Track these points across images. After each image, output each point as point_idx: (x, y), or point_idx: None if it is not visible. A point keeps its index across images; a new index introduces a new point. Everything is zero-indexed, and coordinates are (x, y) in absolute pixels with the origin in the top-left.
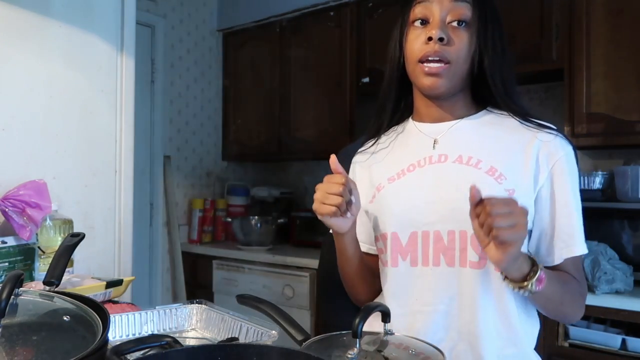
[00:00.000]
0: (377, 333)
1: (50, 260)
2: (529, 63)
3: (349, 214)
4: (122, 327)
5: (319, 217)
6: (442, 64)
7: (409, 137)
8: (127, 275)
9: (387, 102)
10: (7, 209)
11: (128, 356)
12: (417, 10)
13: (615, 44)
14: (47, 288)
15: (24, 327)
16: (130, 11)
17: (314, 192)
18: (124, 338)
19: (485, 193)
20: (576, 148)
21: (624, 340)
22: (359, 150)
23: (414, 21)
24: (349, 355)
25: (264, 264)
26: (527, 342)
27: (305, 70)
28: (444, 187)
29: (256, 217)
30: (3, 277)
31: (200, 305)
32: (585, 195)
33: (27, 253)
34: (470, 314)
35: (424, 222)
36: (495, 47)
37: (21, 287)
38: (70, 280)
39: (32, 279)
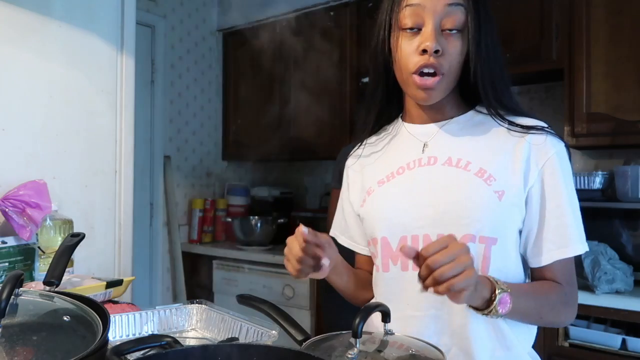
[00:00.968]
0: (378, 333)
1: (50, 260)
2: (529, 63)
3: (321, 269)
4: (122, 327)
5: None
6: (437, 77)
7: (399, 139)
8: (127, 275)
9: (372, 104)
10: (7, 209)
11: (128, 356)
12: (408, 15)
13: (615, 44)
14: (47, 288)
15: (24, 327)
16: (130, 11)
17: (314, 192)
18: (124, 338)
19: (475, 195)
20: (568, 145)
21: (624, 340)
22: (350, 153)
23: (404, 27)
24: (349, 356)
25: (264, 264)
26: (521, 344)
27: (305, 71)
28: (433, 190)
29: (256, 217)
30: (3, 277)
31: (200, 305)
32: (585, 195)
33: (27, 253)
34: (461, 318)
35: (413, 225)
36: (488, 50)
37: (21, 287)
38: (71, 280)
39: (32, 279)
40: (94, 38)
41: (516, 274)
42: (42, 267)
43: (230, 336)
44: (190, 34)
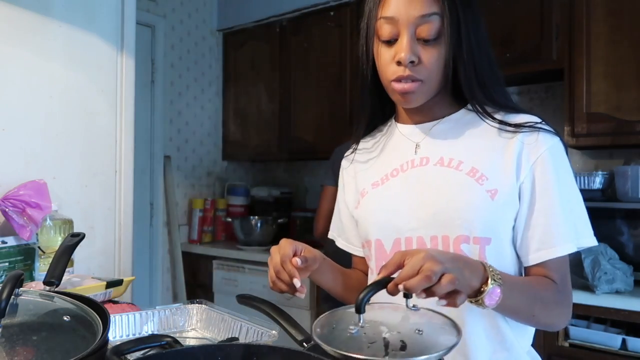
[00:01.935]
0: (395, 306)
1: (50, 260)
2: (529, 63)
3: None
4: (122, 327)
5: None
6: (415, 83)
7: (392, 140)
8: (127, 275)
9: (363, 109)
10: (7, 209)
11: (128, 356)
12: (384, 27)
13: (615, 44)
14: (47, 288)
15: (24, 327)
16: (130, 11)
17: (314, 192)
18: (124, 338)
19: (467, 195)
20: (563, 140)
21: (624, 340)
22: (345, 155)
23: (381, 39)
24: (351, 329)
25: (264, 264)
26: (520, 344)
27: (305, 70)
28: (425, 191)
29: (256, 217)
30: (3, 277)
31: (200, 305)
32: (585, 195)
33: (27, 253)
34: (456, 319)
35: (406, 228)
36: (472, 51)
37: (21, 287)
38: (71, 280)
39: (32, 279)
40: (94, 38)
41: (512, 273)
42: (42, 267)
43: (230, 336)
44: (190, 34)
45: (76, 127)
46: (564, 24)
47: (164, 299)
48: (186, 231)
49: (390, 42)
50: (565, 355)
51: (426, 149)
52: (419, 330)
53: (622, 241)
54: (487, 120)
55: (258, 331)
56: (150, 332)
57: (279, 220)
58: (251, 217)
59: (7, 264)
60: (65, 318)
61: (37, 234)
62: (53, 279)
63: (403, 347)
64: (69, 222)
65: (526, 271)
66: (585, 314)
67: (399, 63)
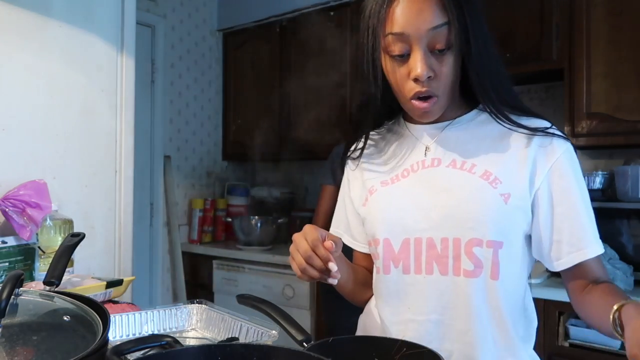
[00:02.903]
0: None
1: (50, 260)
2: (529, 63)
3: (330, 275)
4: (122, 327)
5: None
6: (432, 99)
7: (402, 139)
8: (127, 275)
9: (369, 113)
10: (7, 209)
11: (128, 356)
12: (394, 44)
13: (615, 44)
14: (47, 288)
15: (24, 327)
16: (130, 11)
17: (314, 192)
18: (124, 338)
19: (481, 198)
20: (574, 145)
21: None
22: (349, 155)
23: (392, 55)
24: None
25: (264, 264)
26: (525, 348)
27: (305, 70)
28: (437, 193)
29: (256, 217)
30: (3, 277)
31: (200, 305)
32: None
33: (28, 253)
34: (465, 324)
35: (416, 228)
36: (482, 55)
37: (21, 287)
38: (71, 280)
39: (32, 279)
40: (94, 38)
41: (521, 277)
42: (42, 267)
43: (230, 336)
44: (190, 34)
45: (76, 127)
46: (564, 24)
47: (164, 299)
48: (186, 231)
49: (403, 56)
50: (565, 355)
51: (437, 150)
52: None
53: (622, 241)
54: (501, 123)
55: (258, 331)
56: (150, 332)
57: (279, 220)
58: (251, 217)
59: (7, 264)
60: (65, 318)
61: (37, 234)
62: (53, 279)
63: None
64: (69, 222)
65: (563, 275)
66: None
67: (415, 80)
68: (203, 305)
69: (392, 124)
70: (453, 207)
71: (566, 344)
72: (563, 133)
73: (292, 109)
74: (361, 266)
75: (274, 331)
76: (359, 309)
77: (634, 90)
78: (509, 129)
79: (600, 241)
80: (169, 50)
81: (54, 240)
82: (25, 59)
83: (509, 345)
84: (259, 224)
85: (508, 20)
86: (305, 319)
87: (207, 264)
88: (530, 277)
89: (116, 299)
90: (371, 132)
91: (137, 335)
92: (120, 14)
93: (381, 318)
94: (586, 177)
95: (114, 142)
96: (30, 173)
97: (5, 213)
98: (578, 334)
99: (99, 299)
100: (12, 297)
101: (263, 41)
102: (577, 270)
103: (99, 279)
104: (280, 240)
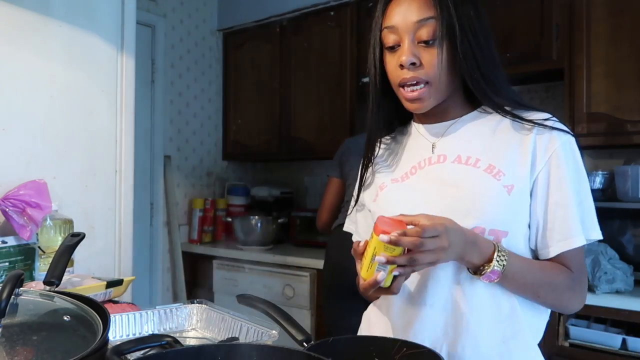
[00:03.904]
0: None
1: (50, 260)
2: (529, 63)
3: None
4: (123, 327)
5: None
6: (422, 86)
7: (410, 139)
8: (127, 275)
9: (377, 112)
10: (7, 209)
11: (128, 356)
12: (387, 36)
13: (616, 43)
14: (48, 288)
15: (24, 327)
16: (130, 11)
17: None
18: (124, 338)
19: (485, 189)
20: (576, 136)
21: (624, 340)
22: (368, 156)
23: (386, 46)
24: None
25: (264, 263)
26: (531, 335)
27: (305, 70)
28: (443, 187)
29: (256, 217)
30: (3, 277)
31: (200, 305)
32: None
33: (28, 253)
34: (469, 312)
35: None
36: (472, 50)
37: (21, 287)
38: (71, 280)
39: (32, 278)
40: (94, 38)
41: None
42: (42, 267)
43: (230, 336)
44: (190, 33)
45: (76, 127)
46: (564, 24)
47: (164, 299)
48: (186, 231)
49: (394, 48)
50: (565, 355)
51: (443, 148)
52: None
53: (622, 241)
54: (503, 116)
55: (258, 331)
56: (150, 332)
57: (279, 220)
58: (251, 217)
59: (7, 263)
60: (65, 318)
61: (37, 234)
62: (53, 278)
63: None
64: (69, 222)
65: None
66: (585, 314)
67: (401, 66)
68: (203, 305)
69: (405, 127)
70: (458, 199)
71: (566, 344)
72: (564, 125)
73: (292, 109)
74: None
75: (274, 331)
76: (359, 309)
77: (634, 90)
78: (511, 121)
79: (591, 231)
80: (169, 50)
81: (54, 240)
82: (26, 58)
83: (512, 330)
84: (259, 224)
85: (508, 20)
86: (305, 319)
87: (207, 264)
88: None
89: (116, 299)
90: (386, 137)
91: (137, 335)
92: (121, 14)
93: (387, 309)
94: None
95: (114, 142)
96: (30, 173)
97: (5, 213)
98: (578, 333)
99: (99, 299)
100: (12, 297)
101: (263, 41)
102: (560, 259)
103: (99, 279)
104: (280, 240)
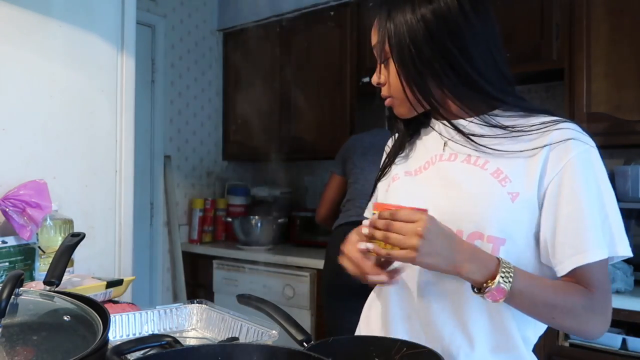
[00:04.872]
0: None
1: (50, 260)
2: (529, 63)
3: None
4: (123, 327)
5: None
6: (391, 99)
7: (428, 134)
8: (127, 275)
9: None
10: (7, 209)
11: (128, 356)
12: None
13: (616, 43)
14: (48, 288)
15: (24, 327)
16: (130, 11)
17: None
18: (125, 338)
19: (487, 193)
20: (597, 144)
21: (624, 340)
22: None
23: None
24: None
25: (264, 263)
26: (526, 339)
27: (305, 70)
28: (450, 185)
29: (256, 217)
30: (3, 277)
31: (200, 305)
32: None
33: (28, 253)
34: (467, 311)
35: None
36: (429, 62)
37: (21, 287)
38: (71, 280)
39: (32, 278)
40: (94, 38)
41: None
42: (42, 267)
43: (230, 336)
44: (190, 33)
45: (76, 127)
46: (564, 24)
47: (164, 299)
48: (186, 231)
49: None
50: (565, 355)
51: (455, 146)
52: None
53: None
54: (519, 119)
55: (258, 331)
56: (150, 332)
57: (279, 220)
58: (251, 217)
59: (7, 263)
60: (65, 318)
61: (37, 234)
62: (53, 278)
63: None
64: (69, 222)
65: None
66: None
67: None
68: (203, 305)
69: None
70: (460, 200)
71: (566, 344)
72: (585, 133)
73: (292, 109)
74: None
75: (274, 331)
76: (359, 309)
77: (635, 90)
78: (519, 129)
79: (618, 246)
80: (169, 50)
81: (54, 240)
82: (26, 58)
83: (505, 333)
84: (259, 224)
85: (508, 20)
86: (305, 319)
87: (207, 264)
88: None
89: (116, 299)
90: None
91: (137, 335)
92: (121, 14)
93: (386, 305)
94: None
95: (114, 142)
96: (30, 173)
97: (5, 213)
98: None
99: (99, 299)
100: (12, 297)
101: (263, 41)
102: (577, 276)
103: (99, 279)
104: (281, 240)
